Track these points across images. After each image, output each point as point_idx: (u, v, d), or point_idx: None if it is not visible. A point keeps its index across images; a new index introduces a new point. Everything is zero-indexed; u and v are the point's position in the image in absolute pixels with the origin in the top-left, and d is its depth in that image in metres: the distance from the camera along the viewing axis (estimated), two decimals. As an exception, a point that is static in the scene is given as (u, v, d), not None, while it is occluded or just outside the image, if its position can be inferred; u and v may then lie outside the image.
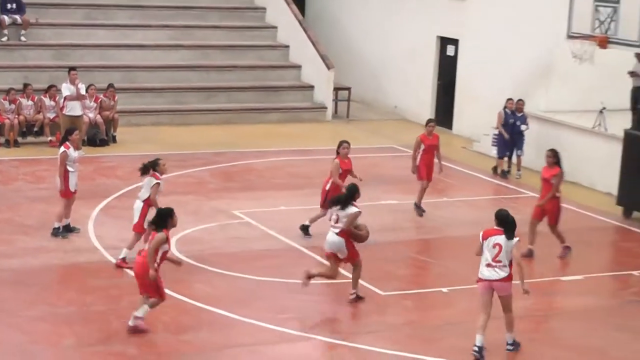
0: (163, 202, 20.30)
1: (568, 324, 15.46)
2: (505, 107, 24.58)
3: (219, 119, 28.79)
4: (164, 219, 14.39)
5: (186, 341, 14.24)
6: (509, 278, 14.01)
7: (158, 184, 16.88)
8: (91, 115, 25.28)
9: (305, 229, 18.99)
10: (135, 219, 16.86)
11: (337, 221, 15.87)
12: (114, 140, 25.81)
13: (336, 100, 30.94)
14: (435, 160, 20.80)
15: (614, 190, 22.06)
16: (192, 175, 22.79)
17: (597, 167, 23.52)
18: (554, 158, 18.34)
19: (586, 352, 14.71)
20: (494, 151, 24.77)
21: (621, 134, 22.18)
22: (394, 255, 18.34)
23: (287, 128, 28.65)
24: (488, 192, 23.01)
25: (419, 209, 20.79)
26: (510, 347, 14.40)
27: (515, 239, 13.98)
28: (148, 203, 16.82)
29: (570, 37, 21.53)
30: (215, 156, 24.66)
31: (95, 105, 25.51)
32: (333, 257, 15.81)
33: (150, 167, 16.97)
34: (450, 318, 15.62)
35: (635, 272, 17.99)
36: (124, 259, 16.81)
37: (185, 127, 27.68)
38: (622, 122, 23.33)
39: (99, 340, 14.10)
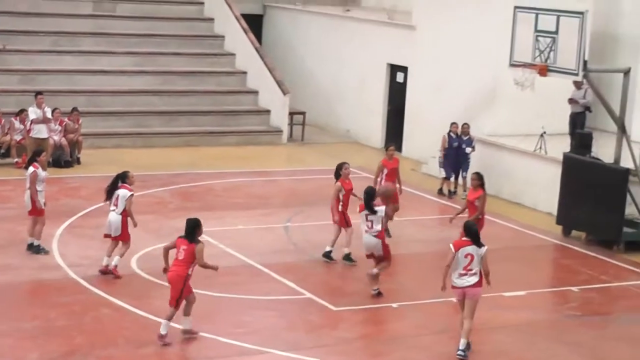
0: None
1: (511, 338, 15.49)
2: (450, 131, 24.68)
3: (180, 141, 28.68)
4: (196, 230, 14.63)
5: (147, 356, 14.12)
6: (478, 284, 14.44)
7: (132, 194, 17.14)
8: (56, 137, 25.08)
9: (328, 255, 18.86)
10: (118, 231, 17.07)
11: (371, 226, 16.63)
12: (78, 162, 25.62)
13: (291, 124, 30.93)
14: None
15: (554, 210, 22.17)
16: (153, 196, 22.65)
17: (538, 188, 23.64)
18: (479, 181, 18.35)
19: (529, 363, 14.79)
20: (442, 172, 24.82)
21: (561, 157, 22.31)
22: (345, 272, 18.29)
23: (244, 150, 28.59)
24: (435, 212, 23.04)
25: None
26: (462, 354, 14.44)
27: (485, 247, 14.41)
28: (125, 214, 16.99)
29: (513, 65, 21.62)
30: (176, 177, 24.54)
31: (60, 128, 25.32)
32: (372, 256, 16.84)
33: (120, 179, 17.12)
34: (399, 332, 15.62)
35: (573, 288, 18.07)
36: (115, 267, 17.06)
37: (147, 150, 27.52)
38: (562, 146, 23.50)
39: (61, 355, 13.94)
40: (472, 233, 14.46)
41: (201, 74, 31.17)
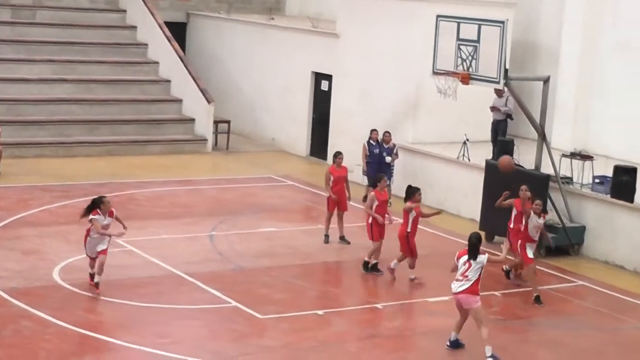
0: (46, 232, 20.12)
1: (436, 344, 15.64)
2: (370, 139, 24.88)
3: (102, 151, 28.51)
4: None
5: (70, 367, 14.04)
6: (468, 291, 14.86)
7: (91, 218, 16.74)
8: (-24, 147, 24.79)
9: (367, 265, 19.05)
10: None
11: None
12: (-2, 172, 25.37)
13: (216, 132, 30.92)
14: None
15: (477, 217, 22.50)
16: (75, 206, 22.40)
17: (461, 195, 23.96)
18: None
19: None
20: (366, 180, 24.99)
21: (483, 164, 22.65)
22: (271, 280, 18.36)
23: (168, 159, 28.51)
24: (360, 219, 23.15)
25: (343, 240, 21.05)
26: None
27: (484, 256, 15.02)
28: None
29: (436, 73, 21.89)
30: (98, 187, 24.34)
31: (-20, 137, 25.03)
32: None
33: (94, 205, 16.89)
34: (325, 339, 15.70)
35: (496, 293, 18.33)
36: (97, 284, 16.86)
37: (69, 159, 27.31)
38: (484, 153, 23.87)
39: (-17, 368, 13.80)
40: (469, 244, 15.07)
41: (124, 82, 31.03)
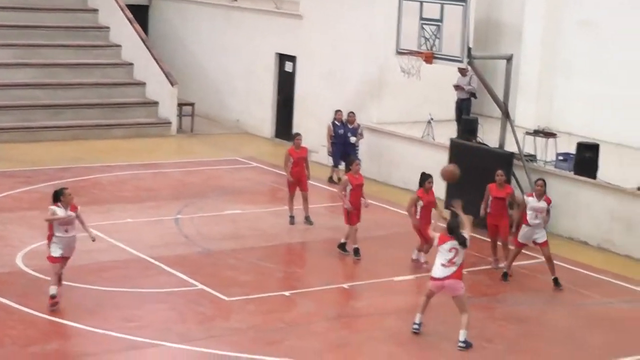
0: (9, 218, 19.96)
1: (402, 322, 15.66)
2: (334, 119, 24.86)
3: (66, 135, 28.29)
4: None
5: (35, 353, 13.91)
6: (455, 276, 14.75)
7: (50, 209, 15.39)
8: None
9: (344, 247, 18.91)
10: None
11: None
12: (-39, 158, 25.16)
13: (180, 115, 30.77)
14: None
15: (442, 195, 22.49)
16: (39, 191, 22.28)
17: (426, 174, 23.95)
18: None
19: (418, 346, 14.98)
20: (331, 160, 25.00)
21: (447, 143, 22.68)
22: (236, 262, 18.32)
23: (132, 143, 28.36)
24: (325, 200, 23.18)
25: (308, 221, 20.99)
26: (462, 345, 14.79)
27: (468, 240, 14.84)
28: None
29: (399, 53, 21.85)
30: (62, 172, 24.21)
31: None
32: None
33: (55, 197, 15.54)
34: (291, 320, 15.69)
35: (463, 271, 18.22)
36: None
37: (32, 144, 27.09)
38: (448, 132, 23.91)
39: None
40: (454, 234, 14.80)
41: (86, 66, 30.80)
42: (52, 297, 15.29)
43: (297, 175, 20.82)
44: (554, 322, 16.34)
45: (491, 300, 17.25)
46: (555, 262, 18.08)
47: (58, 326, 14.77)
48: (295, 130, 28.78)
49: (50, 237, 15.47)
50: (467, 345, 14.81)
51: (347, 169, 19.37)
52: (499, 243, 18.69)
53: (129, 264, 17.89)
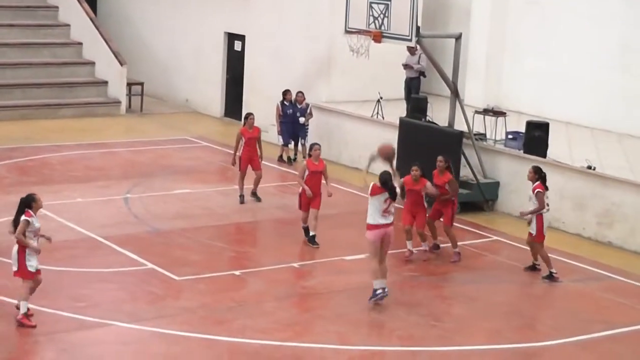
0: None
1: (352, 300, 15.71)
2: (283, 99, 24.81)
3: (15, 114, 27.98)
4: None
5: (-15, 335, 13.80)
6: (392, 224, 15.51)
7: (26, 220, 13.98)
8: None
9: (308, 232, 18.53)
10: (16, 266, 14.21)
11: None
12: None
13: (130, 95, 30.53)
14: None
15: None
16: (-12, 171, 22.10)
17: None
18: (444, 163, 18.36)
19: (366, 325, 15.05)
20: (281, 140, 24.94)
21: (397, 122, 22.71)
22: (186, 241, 18.24)
23: (82, 123, 28.11)
24: (275, 179, 23.13)
25: (255, 197, 21.02)
26: (381, 292, 15.38)
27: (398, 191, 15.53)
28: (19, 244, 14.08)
29: (348, 32, 21.81)
30: (11, 151, 23.97)
31: None
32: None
33: (24, 205, 14.12)
34: (242, 299, 15.66)
35: (413, 249, 18.35)
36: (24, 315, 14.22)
37: (-20, 124, 26.82)
38: (398, 111, 23.95)
39: None
40: (387, 187, 15.35)
41: (35, 45, 30.46)
42: (27, 315, 14.16)
43: (249, 155, 20.76)
44: (503, 300, 16.45)
45: (439, 279, 17.32)
46: (505, 240, 18.17)
47: (7, 306, 14.58)
48: (244, 109, 28.72)
49: (23, 251, 14.01)
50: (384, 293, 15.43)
51: (308, 155, 19.22)
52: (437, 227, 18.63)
53: (78, 244, 17.76)
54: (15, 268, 14.11)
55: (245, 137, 20.79)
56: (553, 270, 17.24)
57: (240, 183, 20.92)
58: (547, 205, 17.22)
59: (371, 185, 15.44)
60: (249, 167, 20.88)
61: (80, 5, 31.16)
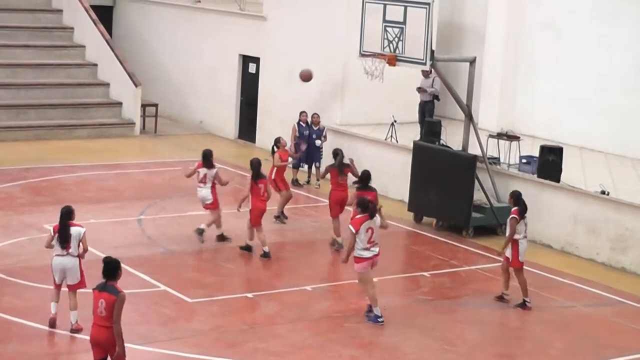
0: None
1: (365, 324, 15.67)
2: (299, 120, 24.83)
3: (30, 135, 28.07)
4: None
5: (6, 353, 13.75)
6: (379, 253, 15.66)
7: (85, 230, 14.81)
8: None
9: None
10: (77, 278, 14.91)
11: None
12: None
13: (144, 116, 30.60)
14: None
15: (406, 198, 22.51)
16: (3, 191, 22.10)
17: (389, 176, 23.95)
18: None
19: (380, 349, 14.95)
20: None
21: (411, 145, 22.67)
22: (200, 263, 18.23)
23: (96, 144, 28.16)
24: (290, 202, 23.07)
25: (282, 217, 21.32)
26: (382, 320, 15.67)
27: (377, 217, 15.55)
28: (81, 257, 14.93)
29: (362, 55, 21.83)
30: (25, 172, 24.01)
31: None
32: None
33: (67, 217, 14.84)
34: (254, 322, 15.62)
35: (425, 273, 18.38)
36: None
37: (-5, 144, 26.88)
38: (412, 134, 23.92)
39: None
40: (367, 207, 15.42)
41: (50, 66, 30.59)
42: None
43: (283, 176, 21.44)
44: (516, 325, 16.38)
45: (453, 303, 17.23)
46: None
47: (19, 326, 14.61)
48: (258, 131, 28.80)
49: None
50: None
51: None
52: None
53: (92, 265, 17.62)
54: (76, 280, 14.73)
55: (282, 159, 21.02)
56: (527, 299, 16.95)
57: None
58: (525, 232, 16.89)
59: (350, 221, 15.61)
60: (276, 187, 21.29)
61: (96, 27, 31.26)
